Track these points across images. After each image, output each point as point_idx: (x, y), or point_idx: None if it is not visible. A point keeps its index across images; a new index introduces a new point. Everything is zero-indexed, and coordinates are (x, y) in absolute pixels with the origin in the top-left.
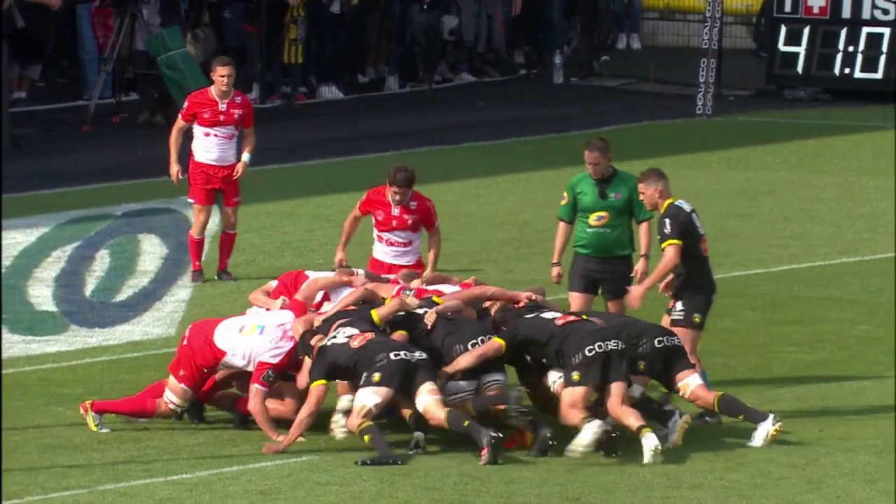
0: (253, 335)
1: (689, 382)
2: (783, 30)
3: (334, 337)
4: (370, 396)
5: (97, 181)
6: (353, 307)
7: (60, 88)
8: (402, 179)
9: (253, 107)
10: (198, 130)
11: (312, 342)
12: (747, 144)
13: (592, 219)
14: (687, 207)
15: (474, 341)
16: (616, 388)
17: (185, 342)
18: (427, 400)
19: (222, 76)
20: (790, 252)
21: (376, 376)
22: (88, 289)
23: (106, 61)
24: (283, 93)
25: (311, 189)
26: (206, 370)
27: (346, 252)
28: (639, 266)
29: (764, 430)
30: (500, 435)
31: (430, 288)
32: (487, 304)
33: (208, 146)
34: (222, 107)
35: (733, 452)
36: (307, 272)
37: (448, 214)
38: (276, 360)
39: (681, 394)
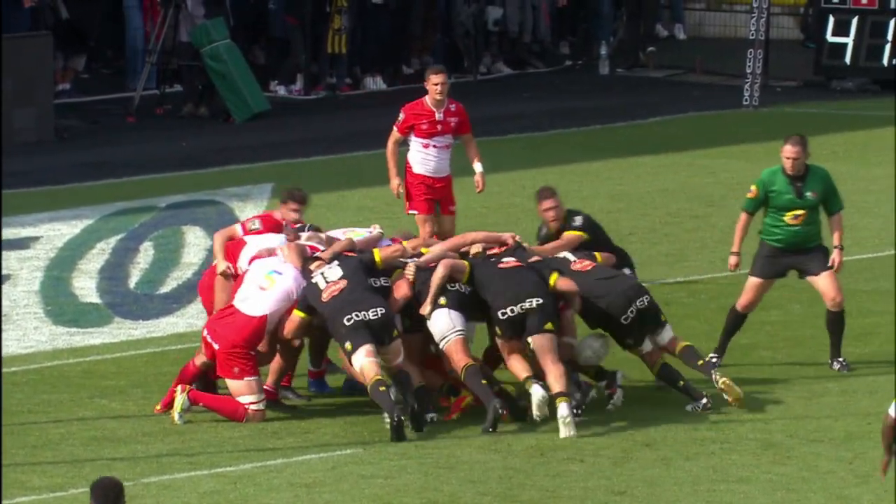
0: (276, 284)
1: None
2: (831, 20)
3: (322, 273)
4: (362, 359)
5: (141, 173)
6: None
7: (105, 80)
8: (299, 198)
9: (467, 112)
10: (414, 142)
11: (313, 267)
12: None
13: (789, 217)
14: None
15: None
16: (536, 341)
17: (214, 346)
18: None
19: (436, 84)
20: None
21: (348, 345)
22: (133, 281)
23: (150, 52)
24: (328, 84)
25: (356, 180)
26: (252, 352)
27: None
28: (835, 257)
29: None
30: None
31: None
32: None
33: (426, 157)
34: (439, 116)
35: (780, 446)
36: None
37: (493, 206)
38: None
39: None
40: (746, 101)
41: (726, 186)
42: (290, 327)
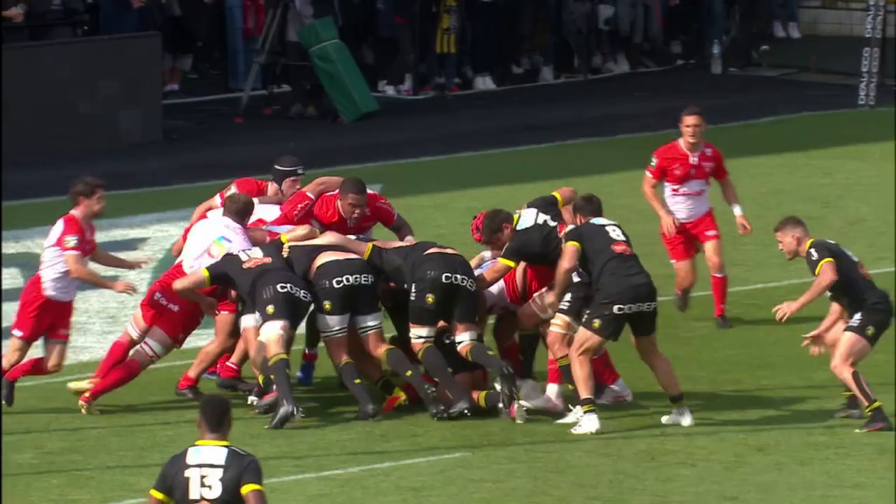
0: (222, 249)
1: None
2: None
3: (244, 251)
4: (274, 326)
5: (250, 173)
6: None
7: (212, 80)
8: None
9: (723, 156)
10: (665, 187)
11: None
12: None
13: None
14: (831, 242)
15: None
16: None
17: (173, 308)
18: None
19: (689, 126)
20: None
21: (270, 308)
22: None
23: (258, 52)
24: (437, 84)
25: (465, 181)
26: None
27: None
28: None
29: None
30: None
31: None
32: None
33: (676, 203)
34: (693, 160)
35: None
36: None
37: (604, 207)
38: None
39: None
40: (862, 100)
41: (842, 187)
42: (187, 281)
